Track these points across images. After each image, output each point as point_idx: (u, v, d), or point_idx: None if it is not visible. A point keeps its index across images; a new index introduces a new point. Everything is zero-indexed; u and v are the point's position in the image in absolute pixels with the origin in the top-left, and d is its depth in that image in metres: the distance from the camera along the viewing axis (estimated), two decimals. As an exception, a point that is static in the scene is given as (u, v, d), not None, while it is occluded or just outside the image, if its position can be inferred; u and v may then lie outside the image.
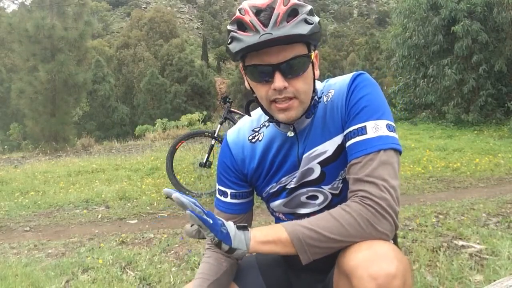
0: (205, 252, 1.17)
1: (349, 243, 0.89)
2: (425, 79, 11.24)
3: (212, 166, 4.46)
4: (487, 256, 2.26)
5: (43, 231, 3.44)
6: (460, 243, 2.51)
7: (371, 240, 0.88)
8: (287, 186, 1.09)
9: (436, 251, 2.35)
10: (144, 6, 76.37)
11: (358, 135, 0.96)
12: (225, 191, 1.16)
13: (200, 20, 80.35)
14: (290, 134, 1.07)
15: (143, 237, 3.04)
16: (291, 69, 0.94)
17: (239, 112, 4.51)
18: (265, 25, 0.91)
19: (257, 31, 0.90)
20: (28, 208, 4.18)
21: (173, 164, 4.27)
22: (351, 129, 0.98)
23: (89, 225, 3.55)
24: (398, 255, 0.86)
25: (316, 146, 1.05)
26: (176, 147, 4.27)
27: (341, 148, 1.02)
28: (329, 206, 1.05)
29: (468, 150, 6.46)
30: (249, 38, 0.91)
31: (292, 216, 1.13)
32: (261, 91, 0.98)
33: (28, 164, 8.01)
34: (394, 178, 0.92)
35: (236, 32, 0.94)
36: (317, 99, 1.06)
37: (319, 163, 1.04)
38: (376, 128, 0.95)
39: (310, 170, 1.06)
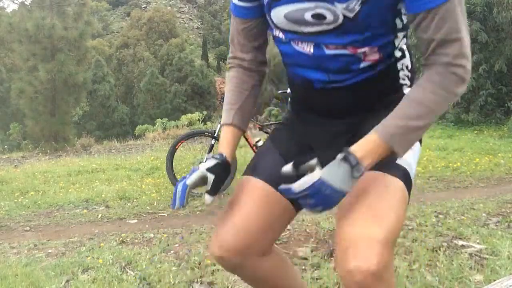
0: (228, 71, 1.13)
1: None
2: (425, 79, 11.25)
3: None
4: (487, 256, 2.26)
5: (43, 231, 3.44)
6: (460, 243, 2.51)
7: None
8: None
9: (436, 251, 2.35)
10: (144, 6, 76.23)
11: None
12: None
13: (200, 20, 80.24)
14: None
15: (143, 237, 3.04)
16: None
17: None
18: None
19: None
20: (28, 208, 4.18)
21: (173, 164, 4.28)
22: None
23: (89, 225, 3.55)
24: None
25: None
26: (176, 147, 4.27)
27: None
28: (340, 28, 0.89)
29: (468, 149, 6.46)
30: None
31: (292, 35, 0.95)
32: None
33: (28, 164, 8.01)
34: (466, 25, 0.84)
35: None
36: None
37: None
38: None
39: None
